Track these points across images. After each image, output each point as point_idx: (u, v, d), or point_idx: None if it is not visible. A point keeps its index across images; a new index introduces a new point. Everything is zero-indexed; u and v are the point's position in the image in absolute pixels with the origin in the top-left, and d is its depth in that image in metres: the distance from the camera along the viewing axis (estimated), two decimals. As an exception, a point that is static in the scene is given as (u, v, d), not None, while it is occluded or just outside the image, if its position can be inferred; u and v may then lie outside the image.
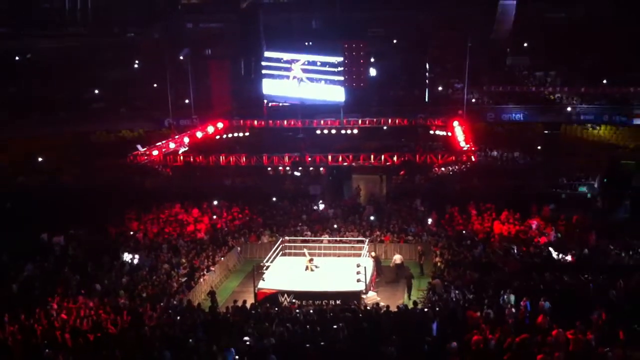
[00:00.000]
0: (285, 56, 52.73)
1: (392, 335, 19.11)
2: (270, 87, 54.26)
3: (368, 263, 29.11)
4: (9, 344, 20.28)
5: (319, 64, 51.21)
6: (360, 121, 50.12)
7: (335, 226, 35.13)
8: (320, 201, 38.96)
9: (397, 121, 50.03)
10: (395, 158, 36.32)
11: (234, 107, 57.27)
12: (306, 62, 51.85)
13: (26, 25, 62.98)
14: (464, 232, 33.18)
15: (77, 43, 63.77)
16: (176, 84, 54.80)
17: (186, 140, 43.05)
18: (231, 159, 37.91)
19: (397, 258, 31.25)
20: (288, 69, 52.74)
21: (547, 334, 18.78)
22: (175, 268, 29.13)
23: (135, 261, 29.73)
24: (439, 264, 29.39)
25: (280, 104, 54.56)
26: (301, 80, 52.33)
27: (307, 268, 29.68)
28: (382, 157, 36.30)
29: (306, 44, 54.81)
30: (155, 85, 61.05)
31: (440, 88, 61.78)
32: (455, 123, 45.64)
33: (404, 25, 65.27)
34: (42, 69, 61.41)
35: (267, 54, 54.35)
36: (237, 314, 23.29)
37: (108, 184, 43.11)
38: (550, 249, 29.67)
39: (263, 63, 54.42)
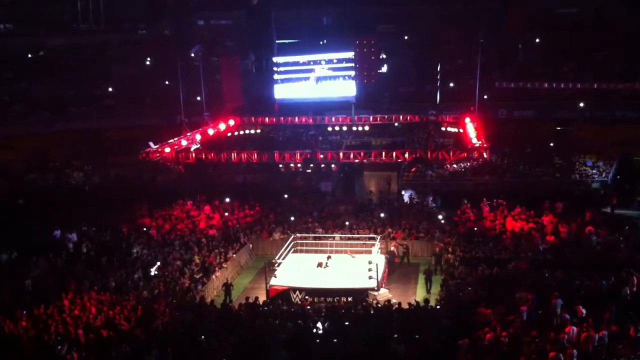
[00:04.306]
0: (303, 58, 52.85)
1: (402, 333, 19.08)
2: (285, 91, 54.36)
3: (380, 260, 29.04)
4: (21, 340, 20.40)
5: (335, 61, 51.53)
6: (371, 118, 50.04)
7: (347, 223, 35.01)
8: None
9: (408, 117, 49.96)
10: (406, 155, 36.18)
11: (245, 103, 57.30)
12: (326, 61, 52.25)
13: (38, 22, 63.37)
14: (475, 228, 33.02)
15: (89, 40, 64.11)
16: (187, 80, 54.85)
17: (198, 137, 43.14)
18: (243, 156, 37.88)
19: None
20: (310, 71, 52.85)
21: (559, 331, 18.75)
22: (187, 264, 29.21)
23: (147, 257, 29.85)
24: (451, 260, 29.35)
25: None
26: (320, 79, 52.51)
27: (319, 264, 29.62)
28: (394, 153, 36.17)
29: (320, 42, 55.10)
30: (166, 82, 61.22)
31: (451, 84, 61.44)
32: (467, 120, 45.47)
33: (414, 21, 65.12)
34: (54, 66, 61.72)
35: (283, 59, 54.42)
36: (248, 311, 23.32)
37: (120, 181, 43.17)
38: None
39: (280, 69, 54.53)
